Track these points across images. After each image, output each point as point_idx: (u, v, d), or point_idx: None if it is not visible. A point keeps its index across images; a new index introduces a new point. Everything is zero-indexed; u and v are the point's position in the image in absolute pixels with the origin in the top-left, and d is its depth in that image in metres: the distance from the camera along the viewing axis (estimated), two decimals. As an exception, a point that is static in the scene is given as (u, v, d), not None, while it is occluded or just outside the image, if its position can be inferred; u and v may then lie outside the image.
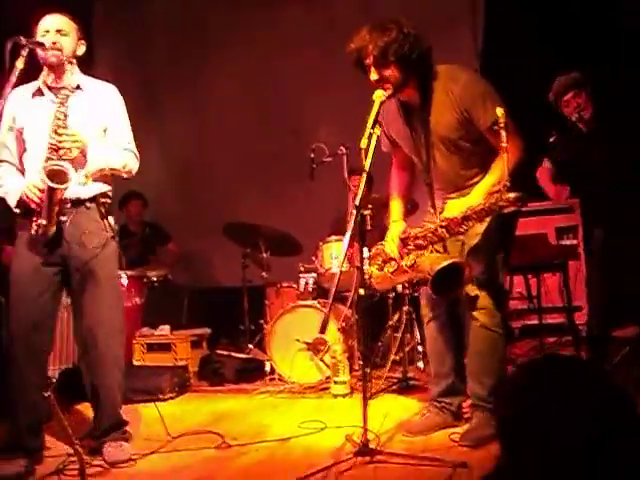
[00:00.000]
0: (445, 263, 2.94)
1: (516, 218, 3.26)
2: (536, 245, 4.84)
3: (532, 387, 1.07)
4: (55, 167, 2.96)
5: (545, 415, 0.99)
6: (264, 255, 5.53)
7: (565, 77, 4.28)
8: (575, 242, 5.94)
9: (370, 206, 4.37)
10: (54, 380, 3.53)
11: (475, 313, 3.17)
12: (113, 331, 3.23)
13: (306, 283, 5.42)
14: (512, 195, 2.75)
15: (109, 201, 3.27)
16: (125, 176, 3.32)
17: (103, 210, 3.21)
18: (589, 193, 4.26)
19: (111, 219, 3.24)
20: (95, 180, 3.19)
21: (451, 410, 3.40)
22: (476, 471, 2.66)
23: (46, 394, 2.39)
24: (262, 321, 5.53)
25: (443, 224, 2.98)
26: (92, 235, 3.15)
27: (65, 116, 3.03)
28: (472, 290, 3.15)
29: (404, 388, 4.55)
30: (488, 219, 2.96)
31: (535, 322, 5.51)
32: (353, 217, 2.93)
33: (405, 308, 4.93)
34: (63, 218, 3.07)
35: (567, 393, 1.00)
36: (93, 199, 3.18)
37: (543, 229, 5.83)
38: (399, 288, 4.95)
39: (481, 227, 3.04)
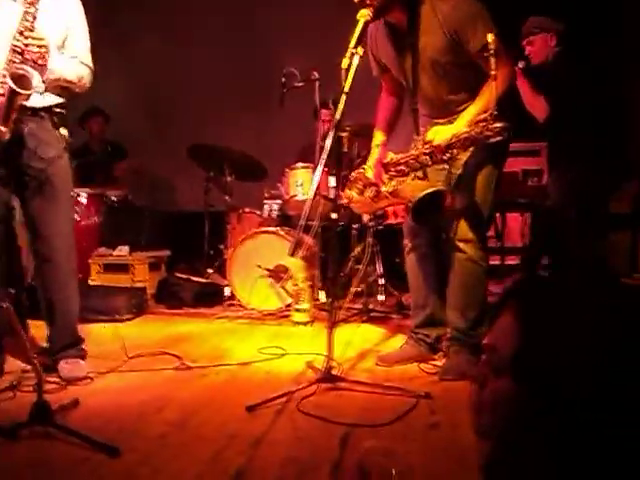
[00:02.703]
0: (427, 190, 2.87)
1: (506, 149, 3.20)
2: (506, 183, 4.82)
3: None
4: (20, 71, 2.79)
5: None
6: (228, 179, 5.40)
7: (529, 20, 4.25)
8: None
9: (347, 128, 4.27)
10: (12, 292, 3.41)
11: (461, 245, 3.12)
12: (69, 243, 3.15)
13: (270, 210, 5.34)
14: (498, 125, 2.69)
15: (63, 112, 3.12)
16: (77, 90, 3.15)
17: (56, 120, 3.06)
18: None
19: (64, 130, 3.10)
20: (50, 91, 3.03)
21: (428, 342, 3.39)
22: (439, 401, 2.67)
23: (4, 305, 2.29)
24: (223, 246, 5.45)
25: (427, 151, 2.91)
26: (48, 146, 3.03)
27: (34, 18, 2.84)
28: (458, 219, 3.09)
29: (364, 319, 4.55)
30: (472, 149, 2.90)
31: (497, 262, 5.53)
32: (326, 144, 2.84)
33: (369, 240, 4.90)
34: (22, 126, 2.92)
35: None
36: (48, 109, 3.04)
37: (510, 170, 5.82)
38: (364, 219, 4.90)
39: (467, 156, 2.98)
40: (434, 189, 2.89)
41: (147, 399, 2.78)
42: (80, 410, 2.64)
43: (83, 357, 3.20)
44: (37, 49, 2.82)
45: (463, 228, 3.10)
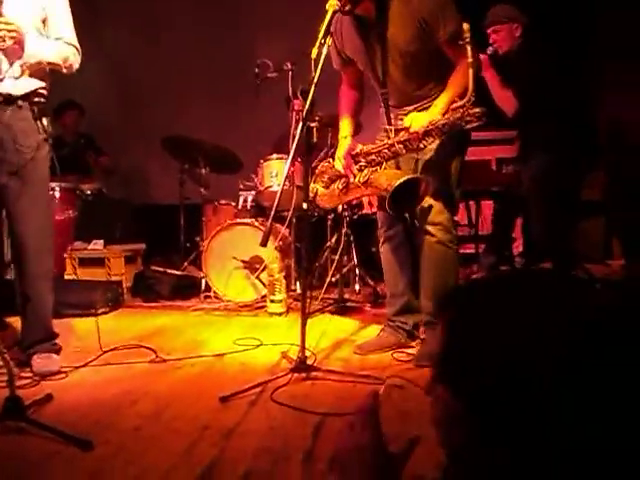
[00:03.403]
0: (404, 178, 2.89)
1: (469, 135, 3.21)
2: (478, 172, 4.85)
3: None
4: None
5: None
6: (203, 171, 5.39)
7: (493, 8, 4.26)
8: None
9: (317, 119, 4.27)
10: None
11: (430, 228, 3.13)
12: (45, 238, 3.12)
13: (244, 201, 5.33)
14: (478, 110, 2.73)
15: (43, 100, 3.05)
16: (65, 71, 3.08)
17: (36, 110, 3.00)
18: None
19: (45, 120, 3.04)
20: (31, 75, 2.97)
21: (406, 329, 3.42)
22: (412, 390, 2.69)
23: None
24: (198, 238, 5.44)
25: (402, 139, 2.92)
26: (25, 137, 2.96)
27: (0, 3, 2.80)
28: (427, 204, 3.10)
29: (340, 309, 4.57)
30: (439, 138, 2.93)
31: (471, 251, 5.57)
32: (297, 134, 2.85)
33: (344, 230, 4.92)
34: None
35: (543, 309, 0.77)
36: (26, 97, 2.97)
37: (484, 158, 5.85)
38: (339, 209, 4.92)
39: (435, 143, 3.00)
40: (410, 176, 2.91)
41: (121, 392, 2.78)
42: (54, 405, 2.63)
43: (57, 351, 3.18)
44: (4, 33, 2.78)
45: (432, 212, 3.12)
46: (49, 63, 3.01)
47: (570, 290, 0.81)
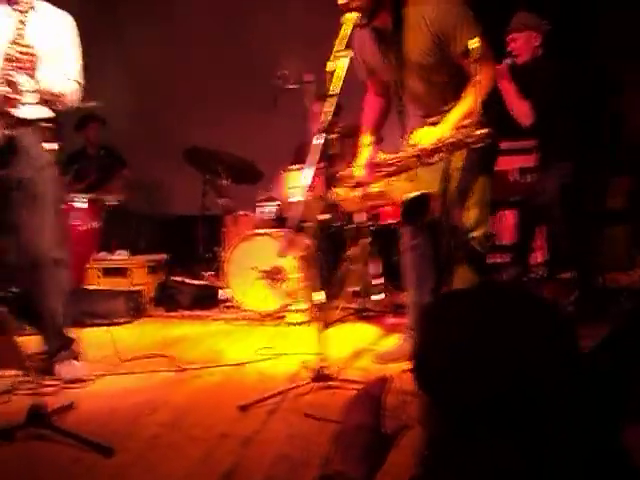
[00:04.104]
0: (415, 193, 2.90)
1: (497, 150, 3.20)
2: (498, 181, 4.83)
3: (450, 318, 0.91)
4: (10, 77, 2.84)
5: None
6: (224, 182, 5.43)
7: (516, 16, 4.24)
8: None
9: (337, 130, 4.29)
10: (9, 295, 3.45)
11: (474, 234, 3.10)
12: (55, 251, 3.15)
13: (265, 212, 5.36)
14: (482, 132, 2.70)
15: (51, 126, 3.15)
16: (61, 107, 3.19)
17: (47, 134, 3.11)
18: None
19: (54, 145, 3.14)
20: (38, 103, 3.08)
21: None
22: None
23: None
24: (219, 249, 5.47)
25: (415, 153, 2.92)
26: (35, 157, 3.06)
27: (24, 25, 2.89)
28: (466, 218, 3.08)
29: (361, 318, 4.57)
30: (464, 155, 2.92)
31: (492, 260, 5.53)
32: (317, 143, 2.86)
33: (365, 240, 4.92)
34: (7, 132, 2.97)
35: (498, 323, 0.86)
36: (35, 121, 3.08)
37: (504, 168, 5.83)
38: (359, 218, 4.92)
39: (461, 162, 2.99)
40: (419, 192, 2.91)
41: (141, 401, 2.80)
42: (75, 413, 2.66)
43: (76, 358, 3.23)
44: (26, 57, 2.87)
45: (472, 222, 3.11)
46: (52, 94, 3.10)
47: (528, 307, 0.89)
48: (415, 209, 2.90)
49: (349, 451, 1.05)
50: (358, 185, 3.20)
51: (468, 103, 2.85)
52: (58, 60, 3.12)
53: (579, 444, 0.78)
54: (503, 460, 0.79)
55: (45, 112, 3.11)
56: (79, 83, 3.20)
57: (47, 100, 3.11)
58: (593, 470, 0.78)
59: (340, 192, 3.24)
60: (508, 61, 4.13)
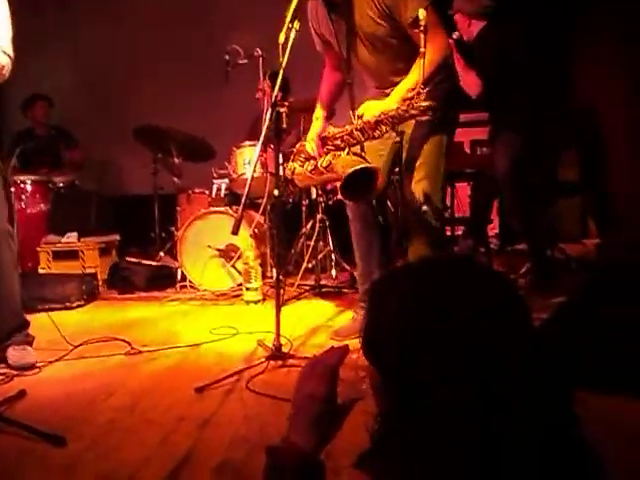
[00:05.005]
0: (355, 167, 2.86)
1: (456, 118, 3.25)
2: (452, 154, 4.84)
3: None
4: None
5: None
6: (176, 160, 5.34)
7: None
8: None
9: (286, 104, 4.25)
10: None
11: (424, 208, 3.08)
12: (7, 225, 3.06)
13: (218, 189, 5.30)
14: (424, 104, 2.69)
15: None
16: None
17: None
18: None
19: None
20: None
21: None
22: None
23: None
24: (173, 228, 5.40)
25: (359, 127, 2.90)
26: None
27: None
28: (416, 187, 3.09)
29: (316, 295, 4.57)
30: (414, 124, 2.91)
31: (448, 233, 5.57)
32: (267, 118, 2.83)
33: (319, 216, 4.91)
34: None
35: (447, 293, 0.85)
36: None
37: (458, 140, 5.85)
38: (313, 194, 4.90)
39: (412, 131, 2.98)
40: (363, 166, 2.88)
41: (96, 386, 2.76)
42: (27, 401, 2.60)
43: (30, 343, 3.16)
44: None
45: (421, 195, 3.10)
46: None
47: (474, 278, 0.88)
48: (360, 184, 2.86)
49: (299, 420, 1.05)
50: (309, 159, 3.17)
51: (414, 76, 2.83)
52: None
53: (531, 412, 0.78)
54: (453, 431, 0.78)
55: None
56: (10, 56, 3.02)
57: None
58: (545, 438, 0.78)
59: (294, 166, 3.21)
60: (455, 35, 4.13)
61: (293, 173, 3.24)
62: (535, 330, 0.87)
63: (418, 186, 3.06)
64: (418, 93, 2.70)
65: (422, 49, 2.66)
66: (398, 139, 2.97)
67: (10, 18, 3.05)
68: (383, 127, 2.84)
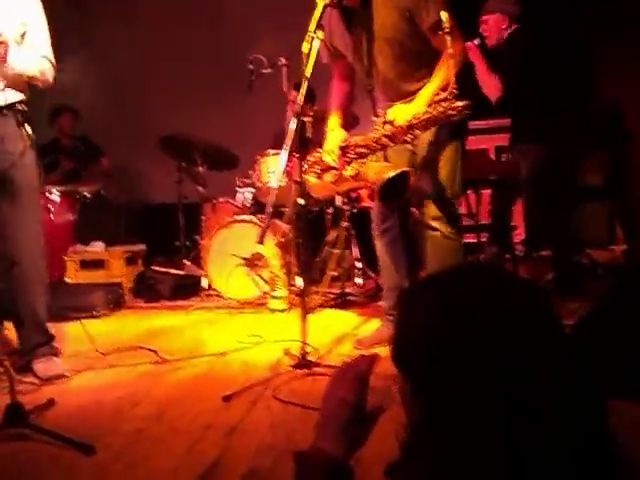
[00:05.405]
0: (393, 172, 2.86)
1: (466, 125, 3.20)
2: (476, 161, 4.83)
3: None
4: None
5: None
6: (200, 169, 5.37)
7: None
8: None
9: (311, 113, 4.26)
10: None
11: (433, 224, 3.13)
12: (37, 244, 3.11)
13: (243, 198, 5.31)
14: (461, 104, 2.69)
15: (26, 109, 3.05)
16: (41, 85, 3.10)
17: (20, 117, 3.00)
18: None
19: (28, 127, 3.02)
20: (12, 87, 2.98)
21: None
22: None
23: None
24: (198, 237, 5.42)
25: (387, 133, 2.89)
26: (11, 143, 2.97)
27: None
28: (427, 202, 3.11)
29: (342, 303, 4.56)
30: (434, 129, 2.90)
31: (473, 240, 5.53)
32: (292, 128, 2.83)
33: (344, 224, 4.91)
34: None
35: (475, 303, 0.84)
36: (10, 106, 2.98)
37: (483, 147, 5.83)
38: (338, 202, 4.90)
39: (430, 136, 2.98)
40: (400, 170, 2.88)
41: (123, 395, 2.77)
42: (56, 410, 2.62)
43: (56, 354, 3.18)
44: None
45: (433, 207, 3.11)
46: (27, 76, 3.01)
47: (498, 285, 0.88)
48: (393, 188, 2.87)
49: (328, 426, 1.04)
50: (324, 170, 3.17)
51: (441, 77, 2.82)
52: (28, 40, 3.02)
53: (562, 420, 0.77)
54: (481, 440, 0.77)
55: (17, 95, 3.01)
56: (51, 61, 3.10)
57: (25, 82, 3.02)
58: (576, 447, 0.77)
59: (310, 179, 3.20)
60: (477, 41, 4.11)
61: (308, 185, 3.23)
62: (565, 336, 0.86)
63: (430, 197, 3.08)
64: (451, 93, 2.70)
65: (450, 50, 2.66)
66: (410, 148, 3.01)
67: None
68: (415, 131, 2.83)
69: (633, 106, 5.34)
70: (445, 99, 2.71)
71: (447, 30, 2.62)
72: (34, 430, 2.26)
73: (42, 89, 3.13)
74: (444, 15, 2.62)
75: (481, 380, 0.78)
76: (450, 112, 2.72)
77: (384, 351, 2.82)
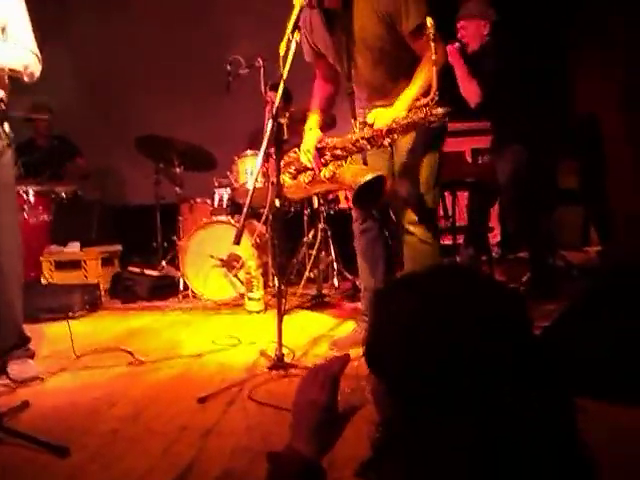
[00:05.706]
0: (369, 176, 2.88)
1: (445, 131, 3.22)
2: (453, 163, 4.86)
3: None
4: None
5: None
6: (178, 170, 5.36)
7: (465, 2, 4.24)
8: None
9: (287, 114, 4.25)
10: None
11: (410, 228, 3.15)
12: (15, 244, 3.06)
13: (220, 199, 5.31)
14: (441, 110, 2.70)
15: (4, 107, 2.98)
16: (27, 79, 3.01)
17: None
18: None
19: (6, 126, 2.98)
20: None
21: None
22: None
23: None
24: (175, 237, 5.41)
25: (366, 135, 2.90)
26: None
27: None
28: (405, 207, 3.13)
29: (318, 305, 4.57)
30: (413, 134, 2.92)
31: (449, 242, 5.57)
32: (268, 129, 2.84)
33: (321, 225, 4.92)
34: None
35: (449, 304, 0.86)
36: None
37: (460, 149, 5.86)
38: (315, 204, 4.92)
39: (409, 141, 3.00)
40: (376, 174, 2.89)
41: (99, 396, 2.76)
42: (30, 412, 2.60)
43: (31, 356, 3.14)
44: None
45: (410, 212, 3.13)
46: (10, 70, 2.93)
47: (474, 288, 0.89)
48: (369, 192, 2.88)
49: (300, 427, 1.06)
50: (299, 171, 3.18)
51: (422, 81, 2.84)
52: (10, 33, 2.95)
53: (532, 419, 0.79)
54: (455, 437, 0.79)
55: None
56: (36, 54, 3.01)
57: (8, 77, 2.96)
58: (546, 445, 0.79)
59: (283, 179, 3.20)
60: (457, 45, 4.13)
61: (283, 186, 3.23)
62: (536, 338, 0.88)
63: (407, 202, 3.11)
64: (432, 99, 2.71)
65: (434, 56, 2.67)
66: (389, 151, 3.03)
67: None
68: (394, 135, 2.85)
69: (608, 110, 5.42)
70: (426, 104, 2.73)
71: (430, 35, 2.64)
72: (7, 433, 2.24)
73: (20, 86, 3.07)
74: (429, 21, 2.64)
75: (457, 380, 0.79)
76: (430, 118, 2.74)
77: (360, 352, 2.84)
